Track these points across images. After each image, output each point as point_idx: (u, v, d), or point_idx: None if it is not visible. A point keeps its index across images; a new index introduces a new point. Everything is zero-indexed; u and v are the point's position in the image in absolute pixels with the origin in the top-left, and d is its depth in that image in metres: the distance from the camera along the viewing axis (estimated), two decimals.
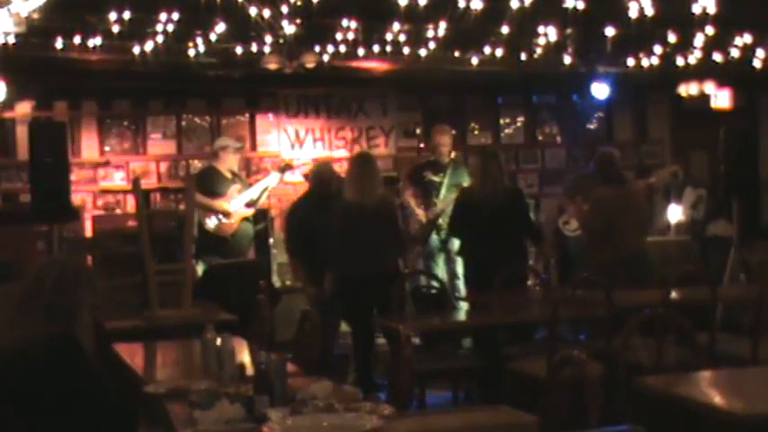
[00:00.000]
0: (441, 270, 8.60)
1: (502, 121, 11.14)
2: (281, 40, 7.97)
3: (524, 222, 7.47)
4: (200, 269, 8.02)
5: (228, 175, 8.57)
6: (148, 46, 7.83)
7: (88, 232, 9.20)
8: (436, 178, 8.63)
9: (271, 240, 9.16)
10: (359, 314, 6.98)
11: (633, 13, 7.09)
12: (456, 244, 8.16)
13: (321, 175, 7.71)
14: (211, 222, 8.36)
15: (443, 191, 8.56)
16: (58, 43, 7.76)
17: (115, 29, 7.24)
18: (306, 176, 8.72)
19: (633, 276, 6.85)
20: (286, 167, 8.99)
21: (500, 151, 8.22)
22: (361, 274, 6.89)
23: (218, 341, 4.28)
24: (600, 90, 9.96)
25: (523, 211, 7.53)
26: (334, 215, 7.05)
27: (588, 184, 8.20)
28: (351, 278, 6.95)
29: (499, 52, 8.50)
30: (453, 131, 9.09)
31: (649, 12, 7.06)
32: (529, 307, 6.91)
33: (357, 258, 6.93)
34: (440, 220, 8.58)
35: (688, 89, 10.52)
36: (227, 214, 8.39)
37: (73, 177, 8.69)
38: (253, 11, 6.96)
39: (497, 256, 6.89)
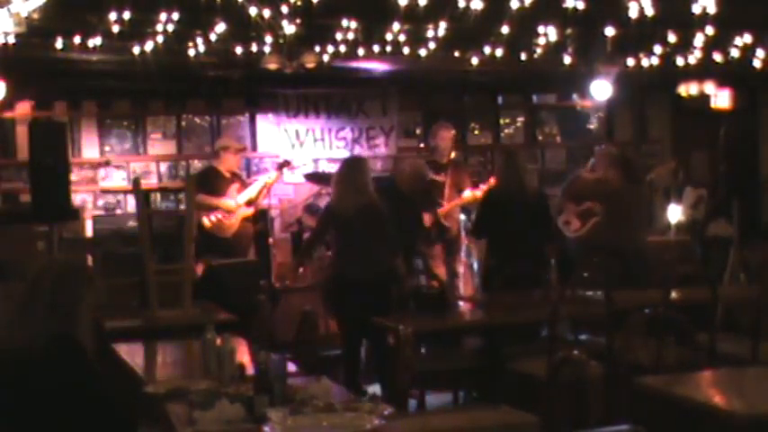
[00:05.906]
0: (441, 269, 8.59)
1: (502, 121, 11.15)
2: (281, 40, 7.94)
3: (543, 222, 7.53)
4: (200, 269, 8.02)
5: (228, 176, 8.58)
6: (148, 46, 7.82)
7: (88, 232, 9.19)
8: (439, 178, 8.62)
9: (270, 240, 9.16)
10: (357, 316, 6.92)
11: (633, 13, 7.08)
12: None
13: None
14: (208, 220, 8.36)
15: (446, 191, 8.56)
16: (58, 43, 7.74)
17: (115, 29, 7.22)
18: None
19: (632, 274, 6.85)
20: (285, 164, 8.99)
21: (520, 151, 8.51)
22: (360, 277, 6.85)
23: (218, 341, 4.28)
24: (600, 90, 9.95)
25: (545, 212, 7.65)
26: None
27: (587, 186, 8.19)
28: (349, 280, 6.92)
29: (499, 52, 8.49)
30: (453, 131, 9.07)
31: (649, 12, 7.05)
32: (539, 307, 6.87)
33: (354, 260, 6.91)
34: (443, 221, 8.57)
35: (688, 89, 10.52)
36: (229, 212, 8.39)
37: (73, 177, 8.69)
38: (253, 11, 6.95)
39: (525, 256, 6.89)
